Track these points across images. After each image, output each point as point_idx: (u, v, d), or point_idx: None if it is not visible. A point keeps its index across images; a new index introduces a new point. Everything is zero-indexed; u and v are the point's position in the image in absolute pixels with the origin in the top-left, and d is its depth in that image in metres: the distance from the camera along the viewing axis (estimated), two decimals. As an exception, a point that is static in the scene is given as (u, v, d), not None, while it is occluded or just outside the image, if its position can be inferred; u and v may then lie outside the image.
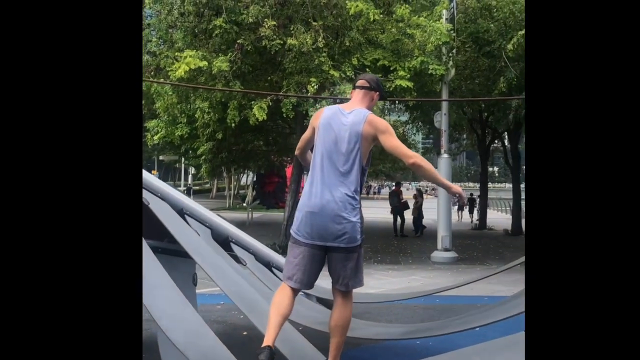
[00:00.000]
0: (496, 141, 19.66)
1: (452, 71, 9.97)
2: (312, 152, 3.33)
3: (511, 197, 21.44)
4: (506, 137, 17.13)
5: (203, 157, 16.50)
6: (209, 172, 19.42)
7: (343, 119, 2.98)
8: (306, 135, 3.26)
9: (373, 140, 2.97)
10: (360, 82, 3.17)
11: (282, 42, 9.19)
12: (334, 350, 2.96)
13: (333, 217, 2.86)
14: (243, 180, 39.26)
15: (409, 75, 9.34)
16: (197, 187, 45.33)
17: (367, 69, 9.72)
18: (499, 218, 23.07)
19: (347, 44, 9.48)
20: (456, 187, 3.17)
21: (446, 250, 10.50)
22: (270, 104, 9.60)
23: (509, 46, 8.98)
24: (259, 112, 9.39)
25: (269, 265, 4.92)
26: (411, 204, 15.88)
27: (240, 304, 3.47)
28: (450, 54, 9.88)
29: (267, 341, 2.77)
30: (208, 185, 48.23)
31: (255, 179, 30.54)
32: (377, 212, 22.27)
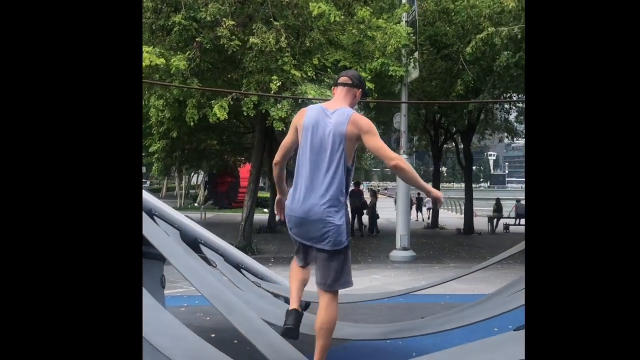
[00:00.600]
0: (448, 142, 20.12)
1: (415, 72, 10.11)
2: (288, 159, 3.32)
3: (460, 196, 21.90)
4: (459, 138, 17.51)
5: (155, 156, 16.13)
6: (161, 171, 19.03)
7: (327, 119, 2.95)
8: (288, 138, 3.16)
9: (357, 140, 2.94)
10: (342, 79, 3.11)
11: (240, 43, 9.08)
12: (319, 352, 2.93)
13: (317, 221, 2.87)
14: (193, 180, 38.63)
15: (370, 77, 9.41)
16: (144, 187, 44.31)
17: (328, 70, 9.74)
18: (450, 217, 23.59)
19: (308, 44, 9.46)
20: (436, 191, 3.14)
21: (404, 249, 10.65)
22: (232, 102, 9.48)
23: (468, 49, 9.19)
24: (219, 110, 9.25)
25: (238, 266, 4.86)
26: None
27: (219, 306, 3.40)
28: (411, 57, 10.02)
29: (292, 305, 3.06)
30: (148, 184, 47.17)
31: (207, 178, 30.12)
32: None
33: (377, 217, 16.61)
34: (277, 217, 3.40)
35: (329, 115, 2.96)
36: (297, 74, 9.30)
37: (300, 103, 9.72)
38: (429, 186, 3.17)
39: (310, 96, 9.03)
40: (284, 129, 10.05)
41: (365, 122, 2.97)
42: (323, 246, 2.90)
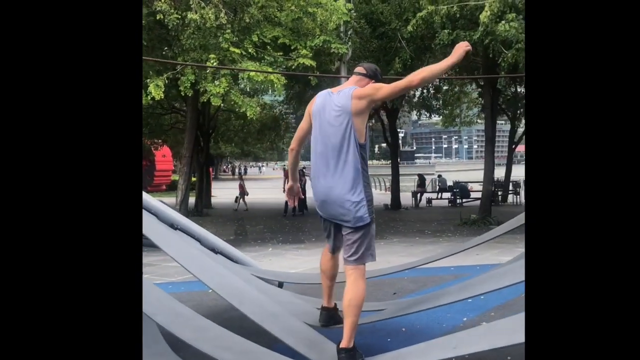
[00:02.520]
0: (370, 120, 20.41)
1: (350, 50, 10.11)
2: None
3: (379, 173, 22.31)
4: (385, 116, 17.78)
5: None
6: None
7: (332, 103, 3.01)
8: (303, 124, 3.25)
9: (366, 110, 2.96)
10: (357, 69, 3.20)
11: (179, 17, 8.66)
12: (348, 330, 2.91)
13: (338, 201, 2.95)
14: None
15: (311, 54, 9.32)
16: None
17: (268, 47, 9.54)
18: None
19: (247, 20, 9.19)
20: (458, 51, 2.86)
21: (347, 226, 10.74)
22: (167, 81, 9.05)
23: (409, 28, 9.30)
24: (155, 90, 8.80)
25: (214, 250, 4.71)
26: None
27: (229, 298, 3.26)
28: (350, 34, 10.01)
29: (323, 303, 3.39)
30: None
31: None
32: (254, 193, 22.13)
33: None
34: (289, 204, 3.58)
35: (333, 97, 3.03)
36: (237, 51, 9.03)
37: (240, 78, 9.47)
38: (449, 60, 2.89)
39: (251, 73, 8.83)
40: (222, 105, 9.79)
41: (367, 88, 2.99)
42: (346, 223, 2.97)
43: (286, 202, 15.83)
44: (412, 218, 14.52)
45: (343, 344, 2.90)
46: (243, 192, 17.88)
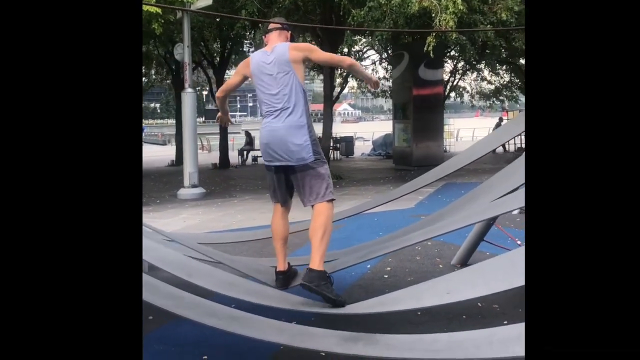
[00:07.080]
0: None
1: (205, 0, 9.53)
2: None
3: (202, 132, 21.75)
4: (211, 72, 17.13)
5: None
6: None
7: (268, 58, 3.21)
8: (233, 80, 3.48)
9: (304, 61, 3.21)
10: (272, 25, 3.38)
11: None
12: (316, 252, 3.02)
13: (281, 142, 3.10)
14: None
15: (153, 1, 8.57)
16: None
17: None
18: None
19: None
20: (375, 77, 3.61)
21: (194, 186, 10.34)
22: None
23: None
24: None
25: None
26: None
27: (174, 271, 2.98)
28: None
29: (278, 267, 3.31)
30: None
31: None
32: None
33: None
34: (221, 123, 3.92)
35: (268, 54, 3.23)
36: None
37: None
38: (369, 75, 3.54)
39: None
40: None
41: (304, 44, 3.42)
42: (289, 163, 3.11)
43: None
44: (247, 175, 14.50)
45: (312, 266, 2.99)
46: None
